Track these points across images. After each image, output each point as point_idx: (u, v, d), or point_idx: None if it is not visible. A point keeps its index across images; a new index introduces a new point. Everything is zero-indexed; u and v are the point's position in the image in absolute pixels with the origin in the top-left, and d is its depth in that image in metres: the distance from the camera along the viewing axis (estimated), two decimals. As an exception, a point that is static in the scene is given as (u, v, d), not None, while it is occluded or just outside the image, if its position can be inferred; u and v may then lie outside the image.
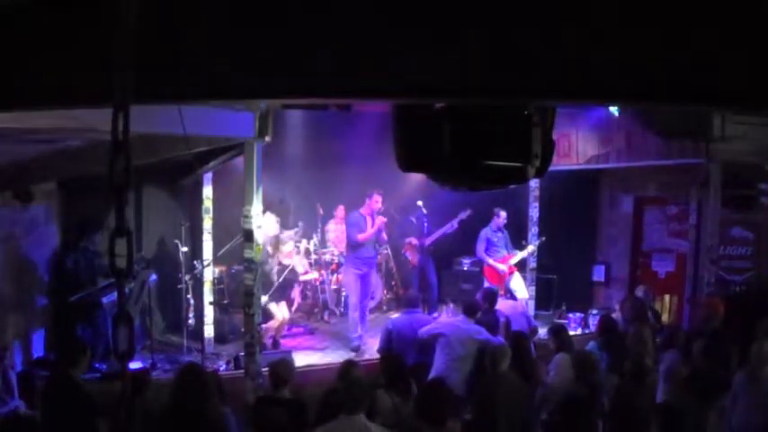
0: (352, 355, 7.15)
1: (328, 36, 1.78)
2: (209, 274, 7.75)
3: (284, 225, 9.01)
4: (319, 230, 9.47)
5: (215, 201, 7.53)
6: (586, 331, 8.38)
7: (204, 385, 3.70)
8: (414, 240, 9.17)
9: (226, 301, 8.00)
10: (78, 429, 4.25)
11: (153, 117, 4.25)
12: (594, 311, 8.76)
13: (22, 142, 4.96)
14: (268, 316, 7.36)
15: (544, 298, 9.48)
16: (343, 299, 9.39)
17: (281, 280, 7.73)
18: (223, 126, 5.54)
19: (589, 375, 4.86)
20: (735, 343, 5.33)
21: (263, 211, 6.18)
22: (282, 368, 4.64)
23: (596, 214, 10.39)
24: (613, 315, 6.91)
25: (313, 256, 9.29)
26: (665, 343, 5.92)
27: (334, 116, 8.08)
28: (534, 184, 8.79)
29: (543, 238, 8.89)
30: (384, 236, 8.70)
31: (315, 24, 1.78)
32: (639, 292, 7.53)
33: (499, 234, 8.59)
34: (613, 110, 7.65)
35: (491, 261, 8.47)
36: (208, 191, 7.50)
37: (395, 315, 8.04)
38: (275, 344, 7.54)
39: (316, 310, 9.26)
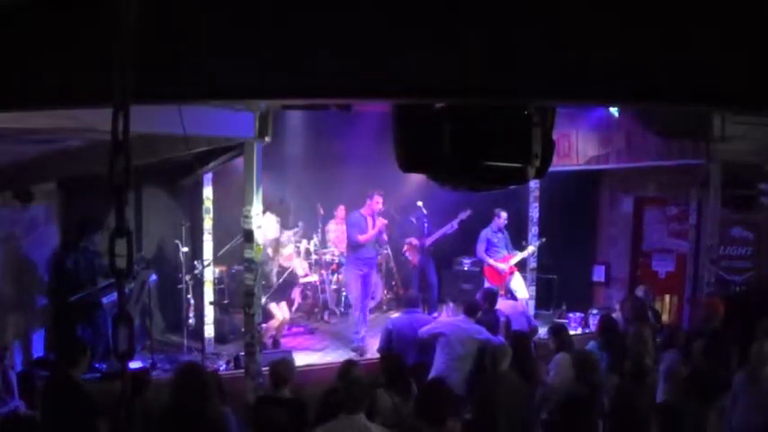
0: (352, 354, 7.14)
1: (328, 36, 1.78)
2: (210, 274, 7.75)
3: (284, 225, 9.02)
4: (319, 231, 9.47)
5: (215, 201, 7.53)
6: (586, 331, 8.38)
7: (204, 385, 3.70)
8: (414, 240, 9.18)
9: (226, 301, 8.00)
10: (78, 429, 4.25)
11: (153, 117, 4.24)
12: (594, 311, 8.76)
13: (22, 142, 4.96)
14: (268, 316, 7.36)
15: (544, 298, 9.49)
16: (343, 299, 9.39)
17: (280, 281, 7.74)
18: (223, 126, 5.54)
19: (589, 375, 4.86)
20: (735, 343, 5.33)
21: (263, 212, 6.18)
22: (283, 368, 4.64)
23: (596, 214, 10.39)
24: (613, 315, 6.91)
25: (313, 257, 9.29)
26: (665, 343, 5.92)
27: (334, 116, 8.07)
28: (534, 184, 8.78)
29: (543, 239, 8.89)
30: (384, 237, 8.71)
31: (315, 24, 1.78)
32: (639, 292, 7.53)
33: (499, 235, 8.59)
34: (613, 110, 7.66)
35: (491, 261, 8.47)
36: (208, 191, 7.50)
37: (395, 315, 8.03)
38: (275, 344, 7.54)
39: (316, 310, 9.26)
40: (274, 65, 1.82)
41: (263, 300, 6.85)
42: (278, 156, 7.94)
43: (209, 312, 7.61)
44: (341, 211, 9.37)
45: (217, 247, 7.60)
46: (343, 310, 9.35)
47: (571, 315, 8.90)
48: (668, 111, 6.54)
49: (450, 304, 8.75)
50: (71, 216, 7.07)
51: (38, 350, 6.65)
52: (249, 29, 1.82)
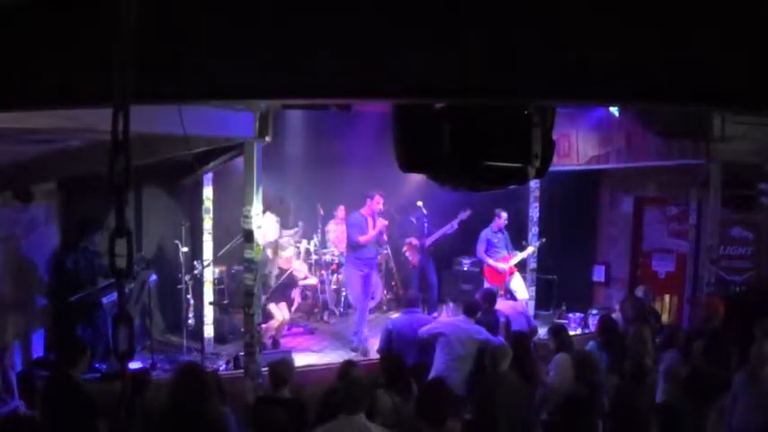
0: (351, 355, 7.14)
1: (328, 36, 1.78)
2: (210, 274, 7.75)
3: (284, 225, 9.03)
4: (319, 231, 9.47)
5: (215, 201, 7.52)
6: (586, 331, 8.38)
7: (203, 385, 3.69)
8: (414, 240, 9.17)
9: (226, 302, 7.99)
10: (78, 429, 4.25)
11: (153, 117, 4.24)
12: (594, 311, 8.76)
13: (22, 142, 4.96)
14: (268, 316, 7.36)
15: (544, 298, 9.48)
16: (342, 299, 9.39)
17: (279, 283, 7.74)
18: (223, 126, 5.53)
19: (590, 376, 4.86)
20: (735, 343, 5.33)
21: (263, 212, 6.18)
22: (282, 368, 4.64)
23: (596, 214, 10.39)
24: (613, 315, 6.91)
25: (313, 257, 9.29)
26: (664, 343, 5.92)
27: (334, 116, 8.07)
28: (534, 184, 8.78)
29: (543, 240, 8.89)
30: (384, 237, 8.70)
31: (315, 24, 1.78)
32: (639, 292, 7.53)
33: (500, 235, 8.60)
34: (613, 110, 7.66)
35: (491, 261, 8.47)
36: (208, 191, 7.49)
37: (395, 315, 8.03)
38: (275, 344, 7.54)
39: (316, 310, 9.25)
40: (274, 65, 1.82)
41: (263, 300, 6.85)
42: (278, 156, 7.93)
43: (209, 312, 7.61)
44: (341, 211, 9.37)
45: (217, 247, 7.60)
46: (342, 310, 9.35)
47: (571, 315, 8.90)
48: (668, 111, 6.54)
49: (450, 304, 8.75)
50: (71, 216, 7.07)
51: (38, 350, 6.65)
52: (249, 29, 1.82)
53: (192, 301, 7.77)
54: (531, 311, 8.68)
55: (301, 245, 9.11)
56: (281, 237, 8.62)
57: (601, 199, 10.34)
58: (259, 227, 5.94)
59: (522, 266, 8.85)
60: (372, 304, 8.92)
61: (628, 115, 7.68)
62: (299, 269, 8.33)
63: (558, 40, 1.67)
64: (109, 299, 6.63)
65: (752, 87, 1.61)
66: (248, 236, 5.90)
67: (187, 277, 7.60)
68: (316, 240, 9.34)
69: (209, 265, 7.65)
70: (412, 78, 1.76)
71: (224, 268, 8.21)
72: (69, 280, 6.65)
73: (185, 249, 7.64)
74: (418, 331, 6.00)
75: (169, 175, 7.82)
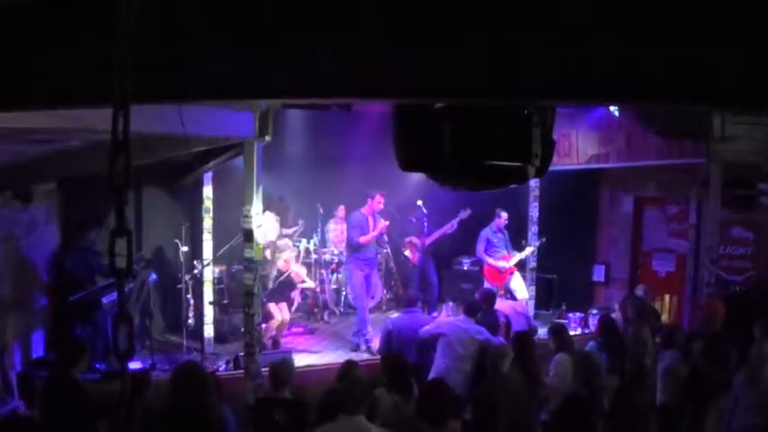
0: (352, 354, 7.14)
1: (328, 36, 1.78)
2: (209, 273, 7.74)
3: (284, 224, 9.02)
4: (320, 230, 9.47)
5: (215, 200, 7.52)
6: (586, 331, 8.38)
7: (202, 384, 3.69)
8: (414, 238, 9.17)
9: (226, 301, 7.99)
10: (78, 429, 4.25)
11: (153, 117, 4.24)
12: (594, 311, 8.75)
13: (22, 142, 4.96)
14: (268, 316, 7.36)
15: (544, 298, 9.49)
16: (342, 299, 9.39)
17: (278, 283, 7.74)
18: (223, 126, 5.54)
19: (591, 379, 4.84)
20: (734, 343, 5.32)
21: (263, 211, 6.18)
22: (282, 368, 4.63)
23: (596, 214, 10.39)
24: (613, 315, 6.91)
25: (313, 256, 9.29)
26: (664, 343, 5.91)
27: (334, 116, 8.07)
28: (534, 184, 8.78)
29: (543, 239, 8.89)
30: (384, 237, 8.69)
31: (315, 24, 1.78)
32: (639, 291, 7.52)
33: (499, 235, 8.59)
34: (613, 110, 7.66)
35: (491, 260, 8.47)
36: (208, 191, 7.49)
37: (395, 315, 8.03)
38: (275, 344, 7.53)
39: (316, 310, 9.25)
40: (274, 65, 1.82)
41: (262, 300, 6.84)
42: (278, 155, 7.94)
43: (209, 312, 7.61)
44: (341, 210, 9.37)
45: (216, 246, 7.59)
46: (342, 310, 9.35)
47: (571, 315, 8.89)
48: (668, 111, 6.54)
49: (450, 304, 8.75)
50: (71, 216, 7.06)
51: (37, 350, 6.65)
52: (249, 29, 1.82)
53: (191, 301, 7.76)
54: (531, 311, 8.68)
55: (301, 244, 9.11)
56: (280, 236, 8.61)
57: (601, 199, 10.34)
58: (259, 226, 5.94)
59: (521, 266, 8.85)
60: (372, 304, 8.92)
61: (628, 115, 7.68)
62: (298, 272, 8.33)
63: (558, 40, 1.67)
64: (108, 298, 6.63)
65: (752, 87, 1.61)
66: (248, 235, 5.90)
67: (187, 277, 7.60)
68: (315, 240, 9.34)
69: (209, 264, 7.65)
70: (412, 78, 1.76)
71: (224, 268, 8.21)
72: (69, 280, 6.65)
73: (185, 249, 7.63)
74: (419, 331, 6.00)
75: (169, 175, 7.83)
